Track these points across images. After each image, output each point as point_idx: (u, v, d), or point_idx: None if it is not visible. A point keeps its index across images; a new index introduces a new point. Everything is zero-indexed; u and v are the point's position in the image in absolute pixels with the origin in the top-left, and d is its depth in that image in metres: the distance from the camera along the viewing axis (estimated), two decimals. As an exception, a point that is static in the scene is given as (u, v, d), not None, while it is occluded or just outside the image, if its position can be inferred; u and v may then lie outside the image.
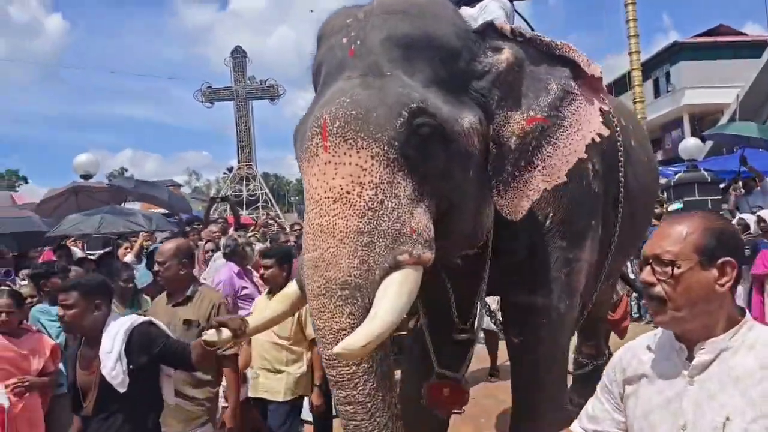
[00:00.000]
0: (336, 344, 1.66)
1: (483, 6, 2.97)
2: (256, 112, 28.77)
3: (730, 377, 1.23)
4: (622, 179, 2.85)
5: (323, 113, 1.84)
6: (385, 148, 1.80)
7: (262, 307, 3.32)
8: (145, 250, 6.54)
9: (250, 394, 3.58)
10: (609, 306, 4.33)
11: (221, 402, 3.19)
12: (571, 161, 2.15)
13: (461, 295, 2.61)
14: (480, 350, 5.28)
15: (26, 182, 40.92)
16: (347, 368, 1.73)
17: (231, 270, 4.75)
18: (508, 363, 2.85)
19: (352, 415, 1.77)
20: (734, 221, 6.52)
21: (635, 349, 1.44)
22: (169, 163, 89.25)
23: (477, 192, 2.07)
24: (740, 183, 9.10)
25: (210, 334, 2.21)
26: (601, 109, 2.17)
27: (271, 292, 3.53)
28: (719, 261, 1.24)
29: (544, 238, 2.46)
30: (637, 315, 8.02)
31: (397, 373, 2.27)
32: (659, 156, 20.23)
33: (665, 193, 9.99)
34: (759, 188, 8.29)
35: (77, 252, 7.44)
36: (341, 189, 1.77)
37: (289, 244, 6.37)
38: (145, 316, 2.81)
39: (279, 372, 3.49)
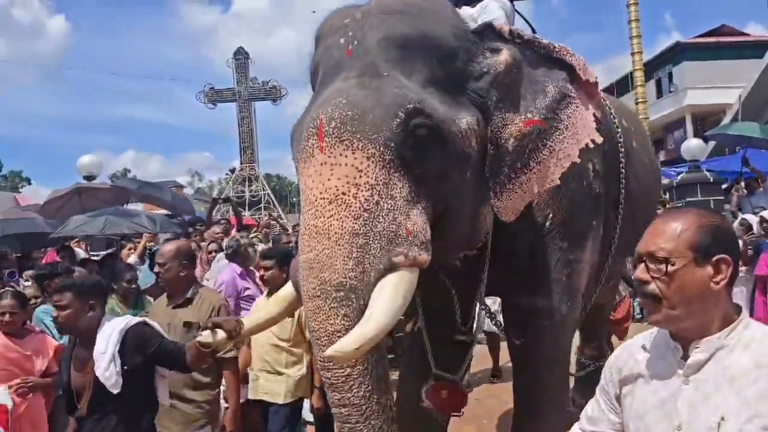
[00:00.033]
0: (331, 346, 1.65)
1: (483, 6, 2.95)
2: (258, 113, 28.78)
3: (725, 377, 1.21)
4: (623, 180, 2.84)
5: (319, 114, 1.83)
6: (382, 149, 1.78)
7: (260, 309, 3.31)
8: (148, 251, 6.57)
9: (250, 396, 3.57)
10: (611, 307, 4.30)
11: (222, 404, 3.19)
12: (565, 165, 2.14)
13: (461, 296, 2.61)
14: (482, 351, 5.28)
15: (29, 183, 41.16)
16: (342, 370, 1.71)
17: (234, 271, 4.76)
18: (510, 364, 2.84)
19: (347, 417, 1.75)
20: (737, 222, 6.51)
21: (631, 349, 1.42)
22: (171, 165, 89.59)
23: (474, 193, 2.06)
24: (743, 183, 9.09)
25: (205, 335, 2.21)
26: (594, 116, 2.16)
27: (271, 293, 3.51)
28: (714, 258, 1.23)
29: (545, 239, 2.44)
30: (640, 316, 7.99)
31: (394, 375, 2.26)
32: (662, 156, 20.21)
33: (668, 194, 9.97)
34: (762, 189, 8.28)
35: (80, 253, 7.46)
36: (337, 190, 1.76)
37: (291, 245, 6.37)
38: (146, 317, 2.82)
39: (279, 374, 3.48)
